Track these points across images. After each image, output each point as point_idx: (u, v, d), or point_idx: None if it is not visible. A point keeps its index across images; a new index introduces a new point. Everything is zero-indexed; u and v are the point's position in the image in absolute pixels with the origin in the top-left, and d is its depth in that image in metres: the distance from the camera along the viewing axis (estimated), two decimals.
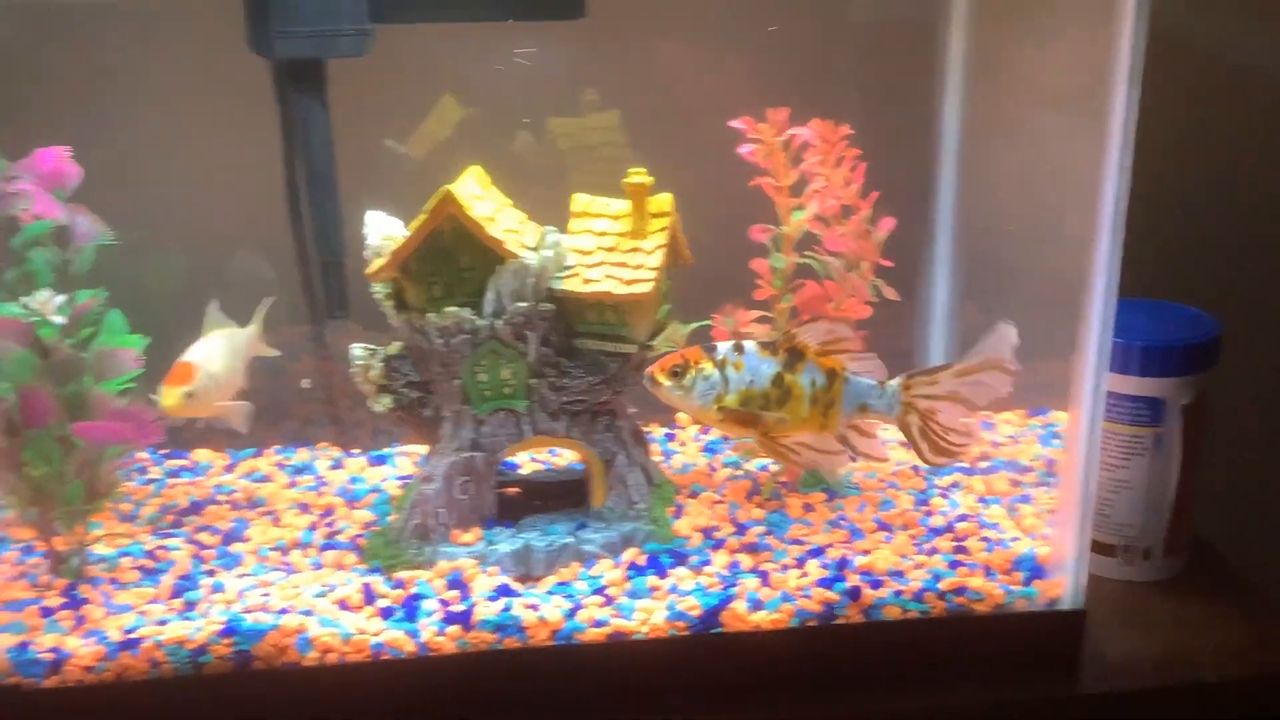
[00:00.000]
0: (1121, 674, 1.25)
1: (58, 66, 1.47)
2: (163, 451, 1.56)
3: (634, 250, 1.30)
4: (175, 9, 1.46)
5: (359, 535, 1.36)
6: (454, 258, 1.28)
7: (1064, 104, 1.33)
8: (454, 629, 1.19)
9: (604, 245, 1.31)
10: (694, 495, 1.44)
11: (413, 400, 1.32)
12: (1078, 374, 1.22)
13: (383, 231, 1.30)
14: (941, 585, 1.25)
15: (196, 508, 1.44)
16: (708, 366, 1.18)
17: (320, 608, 1.22)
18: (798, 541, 1.35)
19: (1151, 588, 1.40)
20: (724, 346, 1.19)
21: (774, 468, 1.48)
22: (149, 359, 1.29)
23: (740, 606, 1.22)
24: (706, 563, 1.30)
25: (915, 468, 1.50)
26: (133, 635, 1.17)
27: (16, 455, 1.22)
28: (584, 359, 1.31)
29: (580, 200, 1.34)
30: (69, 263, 1.24)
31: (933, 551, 1.32)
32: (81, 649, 1.15)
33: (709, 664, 1.22)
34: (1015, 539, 1.35)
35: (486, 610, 1.21)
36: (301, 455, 1.58)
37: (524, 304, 1.27)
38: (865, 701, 1.21)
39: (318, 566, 1.31)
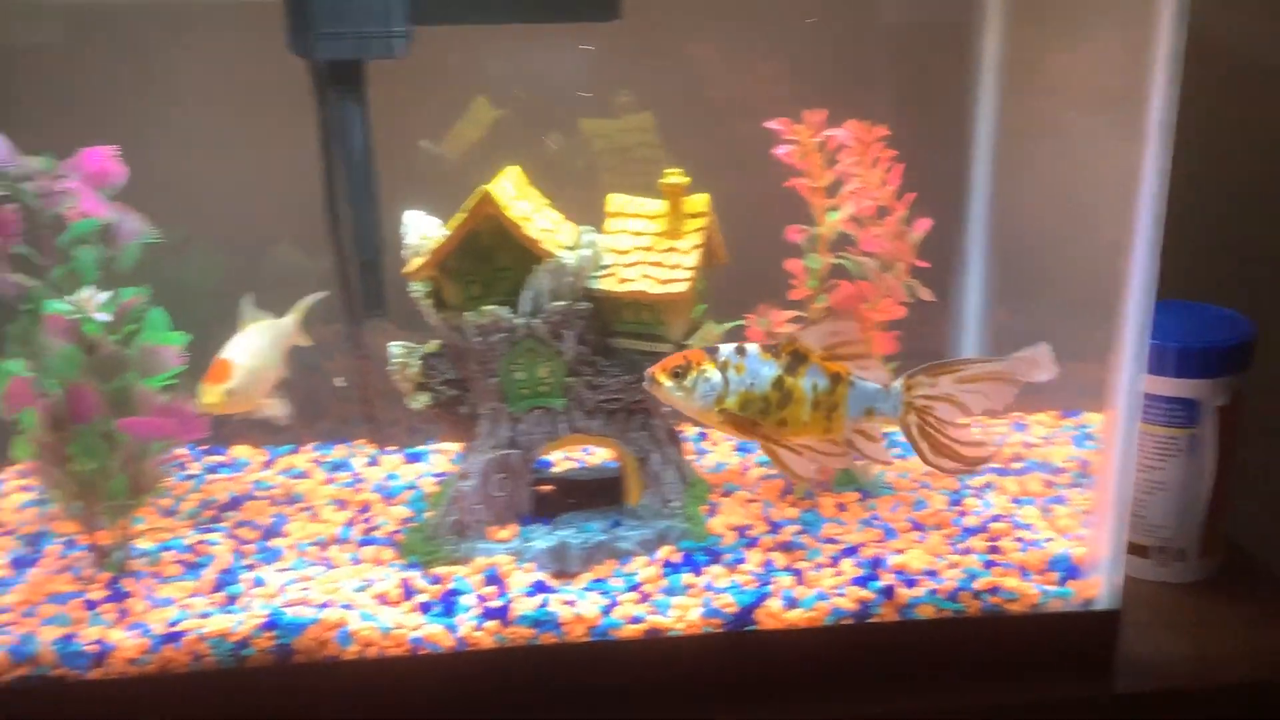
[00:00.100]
0: (1156, 675, 1.25)
1: (102, 67, 1.49)
2: (201, 447, 1.58)
3: (670, 250, 1.31)
4: (215, 11, 1.48)
5: (396, 531, 1.38)
6: (492, 257, 1.29)
7: (1099, 105, 1.33)
8: (492, 624, 1.20)
9: (640, 245, 1.32)
10: (727, 494, 1.45)
11: (450, 398, 1.33)
12: (1114, 375, 1.22)
13: (421, 231, 1.31)
14: (976, 585, 1.26)
15: (236, 503, 1.46)
16: (709, 368, 1.17)
17: (360, 602, 1.23)
18: (832, 540, 1.35)
19: (1185, 589, 1.40)
20: (726, 348, 1.18)
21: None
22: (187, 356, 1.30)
23: (775, 604, 1.23)
24: (741, 561, 1.30)
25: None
26: (176, 628, 1.18)
27: (62, 450, 1.23)
28: (620, 358, 1.32)
29: (616, 200, 1.35)
30: (113, 260, 1.26)
31: (967, 551, 1.33)
32: (125, 641, 1.17)
33: (744, 661, 1.22)
34: (1049, 539, 1.35)
35: (524, 605, 1.22)
36: (338, 452, 1.60)
37: (561, 303, 1.28)
38: (900, 699, 1.21)
39: (356, 561, 1.32)
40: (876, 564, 1.29)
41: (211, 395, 1.35)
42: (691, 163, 1.32)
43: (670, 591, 1.25)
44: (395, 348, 1.32)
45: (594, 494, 1.40)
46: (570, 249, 1.30)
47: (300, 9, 1.34)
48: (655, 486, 1.35)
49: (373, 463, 1.57)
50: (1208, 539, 1.40)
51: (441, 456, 1.57)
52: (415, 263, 1.30)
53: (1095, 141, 1.33)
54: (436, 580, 1.27)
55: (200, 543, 1.36)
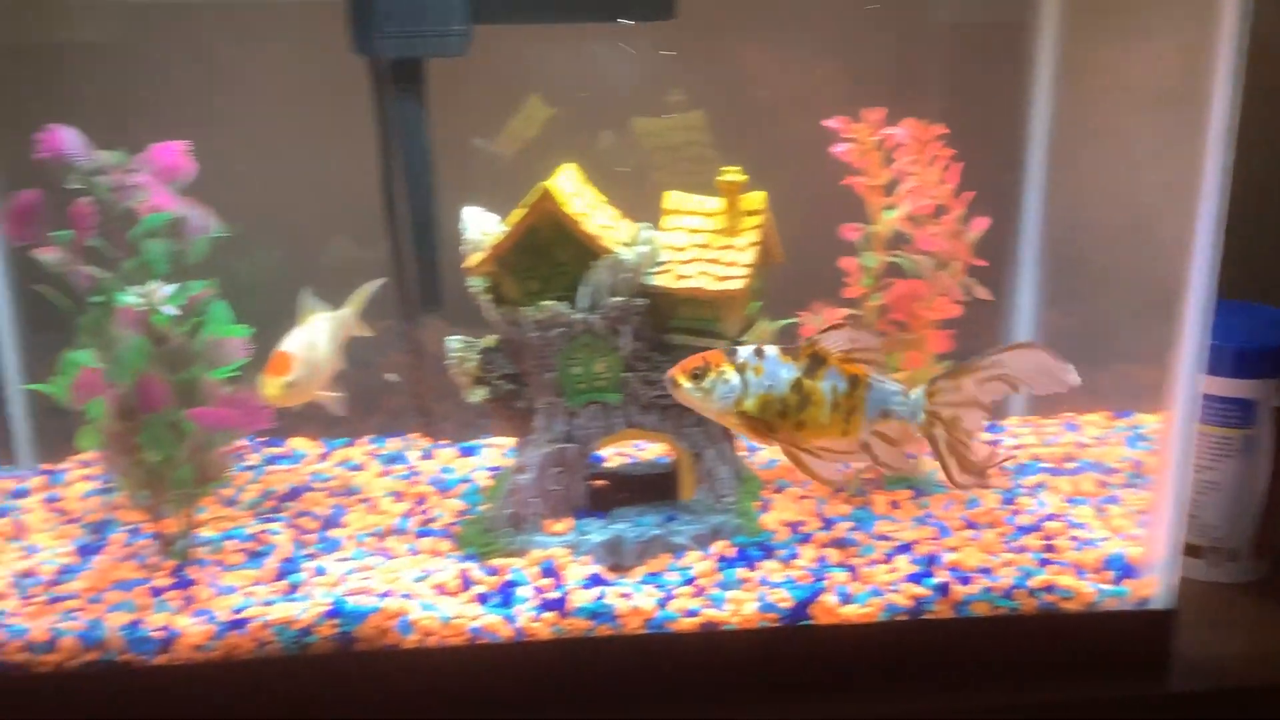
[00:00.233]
0: (1211, 674, 1.25)
1: (169, 65, 1.52)
2: (260, 439, 1.61)
3: (726, 247, 1.32)
4: (279, 10, 1.51)
5: (453, 523, 1.39)
6: (551, 252, 1.30)
7: (1157, 104, 1.33)
8: (550, 615, 1.22)
9: (697, 242, 1.33)
10: (779, 490, 1.46)
11: (507, 392, 1.34)
12: (1173, 376, 1.22)
13: (480, 227, 1.33)
14: (1031, 583, 1.26)
15: (295, 494, 1.48)
16: (728, 370, 1.16)
17: (419, 592, 1.25)
18: (885, 537, 1.36)
19: (1237, 589, 1.40)
20: (745, 350, 1.17)
21: (858, 464, 1.49)
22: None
23: (830, 599, 1.24)
24: (794, 556, 1.31)
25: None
26: (241, 615, 1.20)
27: (131, 440, 1.26)
28: (676, 354, 1.33)
29: (673, 198, 1.36)
30: (182, 254, 1.28)
31: (1021, 550, 1.33)
32: (191, 628, 1.19)
33: (799, 655, 1.23)
34: (1104, 539, 1.35)
35: (580, 598, 1.23)
36: (393, 445, 1.62)
37: (618, 298, 1.30)
38: (955, 696, 1.22)
39: (414, 552, 1.34)
40: (931, 561, 1.30)
41: (271, 387, 1.37)
42: (747, 161, 1.33)
43: (725, 585, 1.26)
44: (453, 342, 1.34)
45: (647, 489, 1.41)
46: (628, 245, 1.31)
47: (364, 8, 1.36)
48: (709, 482, 1.36)
49: (426, 456, 1.59)
50: (1261, 540, 1.40)
51: (494, 450, 1.59)
52: (475, 258, 1.31)
53: (1153, 140, 1.33)
54: (493, 572, 1.29)
55: (262, 532, 1.38)
